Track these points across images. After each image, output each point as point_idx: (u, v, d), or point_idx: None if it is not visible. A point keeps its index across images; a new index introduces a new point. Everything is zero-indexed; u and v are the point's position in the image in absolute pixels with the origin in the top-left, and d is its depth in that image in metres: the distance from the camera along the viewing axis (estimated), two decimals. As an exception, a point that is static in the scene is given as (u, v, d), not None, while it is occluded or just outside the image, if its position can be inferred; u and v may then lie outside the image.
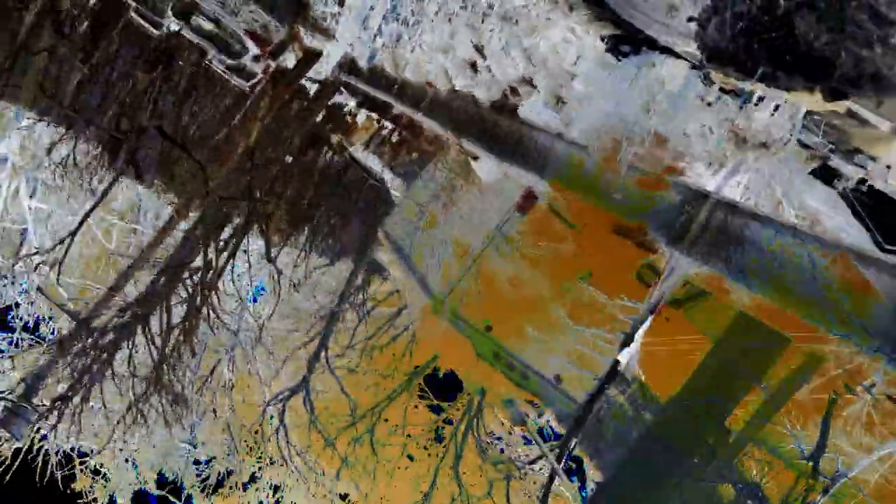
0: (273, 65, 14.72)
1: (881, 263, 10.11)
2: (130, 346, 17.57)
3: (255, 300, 17.13)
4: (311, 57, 14.99)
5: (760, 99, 11.33)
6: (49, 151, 14.58)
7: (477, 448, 17.06)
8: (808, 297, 10.68)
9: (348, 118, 15.78)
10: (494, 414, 16.69)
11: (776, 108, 11.30)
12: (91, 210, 14.81)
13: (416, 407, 17.17)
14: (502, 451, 16.65)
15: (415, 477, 17.00)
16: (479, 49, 12.68)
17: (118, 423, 17.92)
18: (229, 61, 14.56)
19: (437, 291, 14.93)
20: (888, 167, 9.98)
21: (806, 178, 10.81)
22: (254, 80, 14.92)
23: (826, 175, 10.82)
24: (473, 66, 13.10)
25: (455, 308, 14.63)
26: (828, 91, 9.43)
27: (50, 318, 17.29)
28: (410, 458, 16.95)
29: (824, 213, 11.08)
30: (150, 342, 17.54)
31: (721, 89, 11.49)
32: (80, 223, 15.10)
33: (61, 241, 15.37)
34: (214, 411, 17.86)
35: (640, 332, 12.63)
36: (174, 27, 14.13)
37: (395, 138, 16.08)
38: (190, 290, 16.64)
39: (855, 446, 12.03)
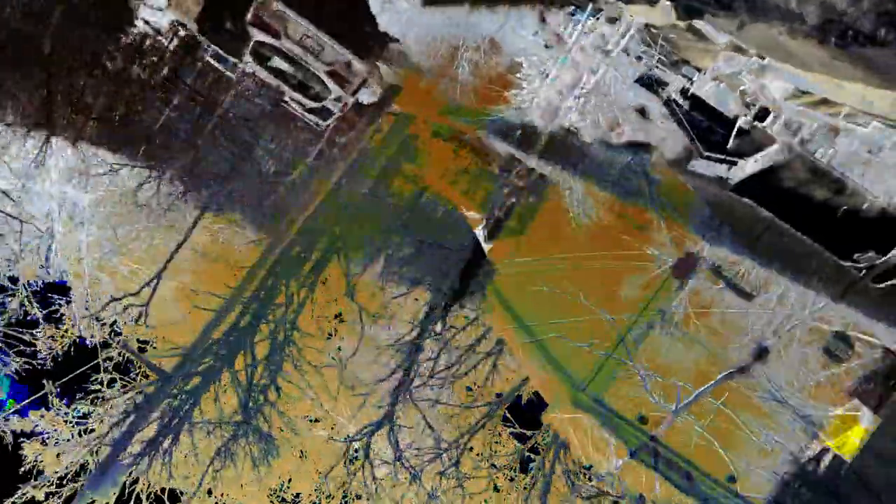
0: (350, 102, 15.02)
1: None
2: (216, 387, 17.93)
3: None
4: (391, 93, 15.41)
5: (598, 11, 11.52)
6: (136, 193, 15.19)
7: (566, 479, 16.56)
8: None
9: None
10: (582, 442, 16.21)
11: (612, 20, 11.54)
12: (178, 248, 15.30)
13: (499, 435, 16.84)
14: (591, 479, 16.10)
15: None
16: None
17: (210, 464, 18.16)
18: (310, 103, 14.89)
19: (577, 378, 14.32)
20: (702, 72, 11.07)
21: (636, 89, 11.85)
22: (330, 119, 15.23)
23: (651, 85, 11.76)
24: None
25: (600, 396, 14.09)
26: (682, 8, 9.98)
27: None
28: (497, 489, 16.54)
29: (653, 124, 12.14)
30: (236, 383, 17.87)
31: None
32: (167, 262, 15.63)
33: (147, 283, 15.93)
34: (302, 452, 17.89)
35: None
36: (249, 69, 14.64)
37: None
38: (272, 326, 16.95)
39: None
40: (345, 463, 17.39)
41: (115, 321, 16.76)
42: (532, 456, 16.64)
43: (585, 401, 14.10)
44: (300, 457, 17.75)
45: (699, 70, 11.23)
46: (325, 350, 17.25)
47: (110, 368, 16.75)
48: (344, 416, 17.46)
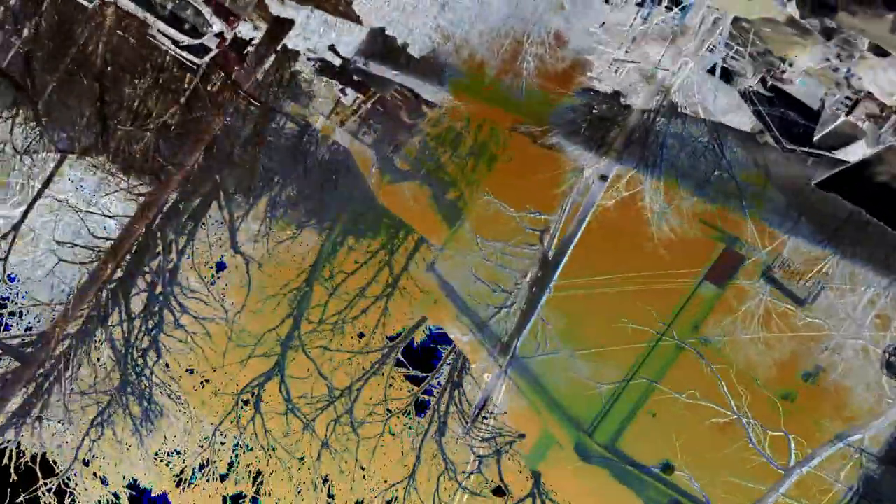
0: (229, 37, 13.77)
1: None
2: (90, 346, 16.77)
3: (213, 283, 16.44)
4: (279, 27, 13.99)
5: (676, 2, 11.56)
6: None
7: (461, 420, 16.59)
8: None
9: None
10: (476, 383, 16.26)
11: (684, 10, 11.58)
12: (37, 197, 13.94)
13: (392, 378, 16.64)
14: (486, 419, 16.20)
15: (398, 454, 16.47)
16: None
17: (84, 436, 17.07)
18: (185, 38, 13.44)
19: (583, 420, 13.33)
20: (790, 65, 10.63)
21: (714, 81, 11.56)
22: (207, 58, 13.84)
23: (726, 75, 11.46)
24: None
25: (609, 443, 13.08)
26: (810, 6, 9.58)
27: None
28: (392, 433, 16.40)
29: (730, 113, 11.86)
30: (111, 343, 16.77)
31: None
32: (25, 213, 14.25)
33: (4, 236, 14.49)
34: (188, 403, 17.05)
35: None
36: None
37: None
38: (149, 279, 15.93)
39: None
40: (235, 418, 16.79)
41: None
42: (426, 398, 16.57)
43: (593, 448, 13.13)
44: (186, 414, 16.97)
45: (783, 61, 10.71)
46: (209, 301, 16.43)
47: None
48: (231, 368, 16.79)
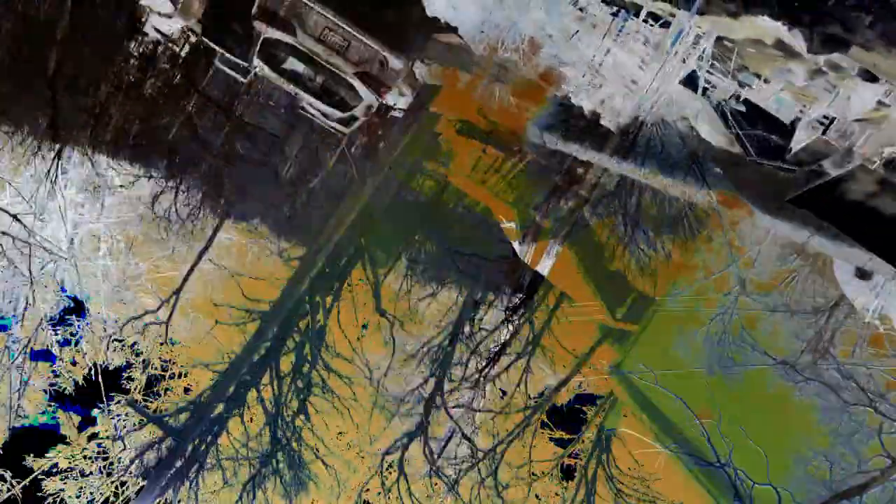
0: (376, 106, 13.69)
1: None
2: (242, 409, 17.36)
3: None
4: (427, 93, 14.24)
5: (653, 17, 11.16)
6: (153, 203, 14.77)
7: (609, 485, 15.85)
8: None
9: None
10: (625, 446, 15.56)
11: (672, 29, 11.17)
12: (198, 260, 14.84)
13: (534, 445, 16.15)
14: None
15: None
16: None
17: (240, 496, 17.51)
18: (335, 113, 13.48)
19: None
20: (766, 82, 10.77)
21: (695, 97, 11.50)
22: (354, 126, 13.95)
23: (695, 86, 11.34)
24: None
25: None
26: (820, 41, 9.53)
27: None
28: (538, 497, 15.82)
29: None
30: (261, 402, 17.30)
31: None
32: (186, 277, 15.17)
33: (167, 300, 15.45)
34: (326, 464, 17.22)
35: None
36: (260, 73, 13.94)
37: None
38: (296, 339, 16.42)
39: None
40: (381, 480, 16.76)
41: (135, 342, 16.28)
42: (573, 463, 15.94)
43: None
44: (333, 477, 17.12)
45: (758, 77, 10.95)
46: (353, 361, 16.69)
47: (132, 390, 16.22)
48: (375, 431, 16.86)
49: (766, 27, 9.90)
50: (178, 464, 17.55)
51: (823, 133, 10.53)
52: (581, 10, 12.14)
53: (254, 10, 12.03)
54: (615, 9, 11.81)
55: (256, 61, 13.03)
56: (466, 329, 16.10)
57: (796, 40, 9.73)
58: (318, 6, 11.99)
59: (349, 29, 12.01)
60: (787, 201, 11.11)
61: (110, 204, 15.03)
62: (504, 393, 16.07)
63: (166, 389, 16.73)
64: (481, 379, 16.04)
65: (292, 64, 13.32)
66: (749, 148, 11.34)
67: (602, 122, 12.79)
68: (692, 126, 12.04)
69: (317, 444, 17.03)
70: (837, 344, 12.38)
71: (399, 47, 12.38)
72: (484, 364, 15.90)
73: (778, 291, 12.73)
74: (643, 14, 11.25)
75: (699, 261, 13.30)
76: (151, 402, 16.55)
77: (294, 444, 17.18)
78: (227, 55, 13.46)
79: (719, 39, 10.77)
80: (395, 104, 14.39)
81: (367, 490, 16.80)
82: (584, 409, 15.77)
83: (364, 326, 16.53)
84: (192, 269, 15.17)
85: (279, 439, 17.26)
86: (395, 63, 12.46)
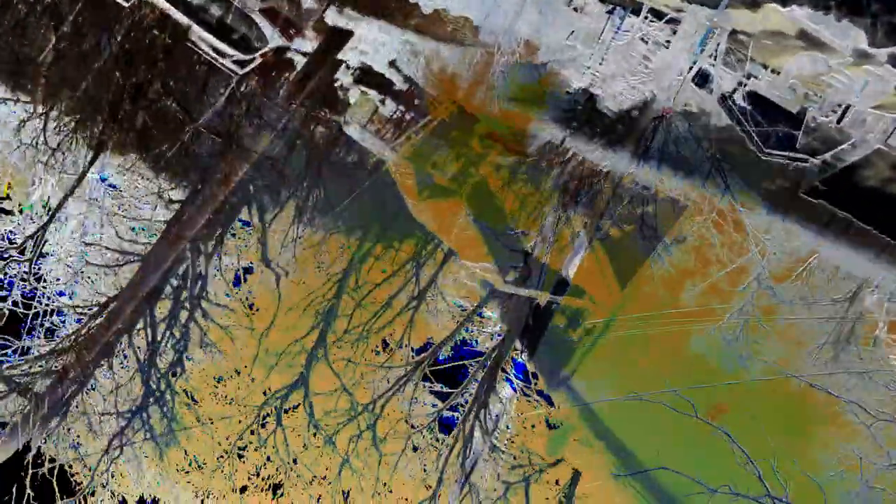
0: (273, 48, 13.38)
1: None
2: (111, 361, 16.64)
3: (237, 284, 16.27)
4: (335, 40, 13.52)
5: (655, 13, 11.42)
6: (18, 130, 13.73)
7: (488, 446, 16.08)
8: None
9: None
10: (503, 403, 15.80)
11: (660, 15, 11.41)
12: (69, 194, 13.93)
13: (415, 399, 16.22)
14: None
15: (421, 473, 15.98)
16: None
17: (102, 455, 16.80)
18: (235, 54, 12.95)
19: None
20: (774, 72, 10.79)
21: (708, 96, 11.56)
22: (248, 68, 13.55)
23: (702, 80, 11.48)
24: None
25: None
26: (885, 31, 9.60)
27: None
28: (415, 448, 15.93)
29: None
30: (133, 349, 16.62)
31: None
32: (54, 213, 14.26)
33: (31, 237, 14.49)
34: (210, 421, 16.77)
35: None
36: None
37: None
38: (175, 284, 15.81)
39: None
40: (254, 430, 16.47)
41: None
42: (452, 415, 16.11)
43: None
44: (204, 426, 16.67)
45: (765, 67, 10.88)
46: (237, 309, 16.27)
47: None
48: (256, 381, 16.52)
49: (793, 18, 9.75)
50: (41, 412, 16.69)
51: (838, 122, 10.45)
52: (576, 9, 11.94)
53: None
54: (610, 7, 11.58)
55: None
56: (352, 282, 15.96)
57: (837, 31, 9.65)
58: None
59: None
60: (803, 193, 11.04)
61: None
62: (387, 344, 16.05)
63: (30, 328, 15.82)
64: (365, 332, 15.97)
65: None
66: (759, 143, 11.28)
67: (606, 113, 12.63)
68: (699, 123, 11.95)
69: (192, 393, 16.55)
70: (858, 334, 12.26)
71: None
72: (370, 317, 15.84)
73: (795, 283, 12.47)
74: (644, 11, 10.94)
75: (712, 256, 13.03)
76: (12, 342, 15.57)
77: (167, 395, 16.62)
78: None
79: (733, 33, 10.67)
80: (298, 48, 13.76)
81: (242, 440, 16.45)
82: (466, 363, 15.92)
83: (248, 270, 16.13)
84: (60, 205, 14.25)
85: (152, 390, 16.66)
86: (309, 1, 11.62)
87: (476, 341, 15.70)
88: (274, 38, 13.08)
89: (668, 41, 11.30)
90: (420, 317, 15.98)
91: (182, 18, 13.30)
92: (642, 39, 11.53)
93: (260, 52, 13.42)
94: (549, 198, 13.56)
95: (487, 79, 13.15)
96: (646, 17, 11.40)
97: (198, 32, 13.31)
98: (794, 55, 10.43)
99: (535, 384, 15.18)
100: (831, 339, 12.25)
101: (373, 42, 13.51)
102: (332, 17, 13.26)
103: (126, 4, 13.08)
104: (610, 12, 11.69)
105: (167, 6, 13.32)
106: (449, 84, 13.49)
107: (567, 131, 13.09)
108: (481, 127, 13.77)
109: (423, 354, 16.08)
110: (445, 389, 15.99)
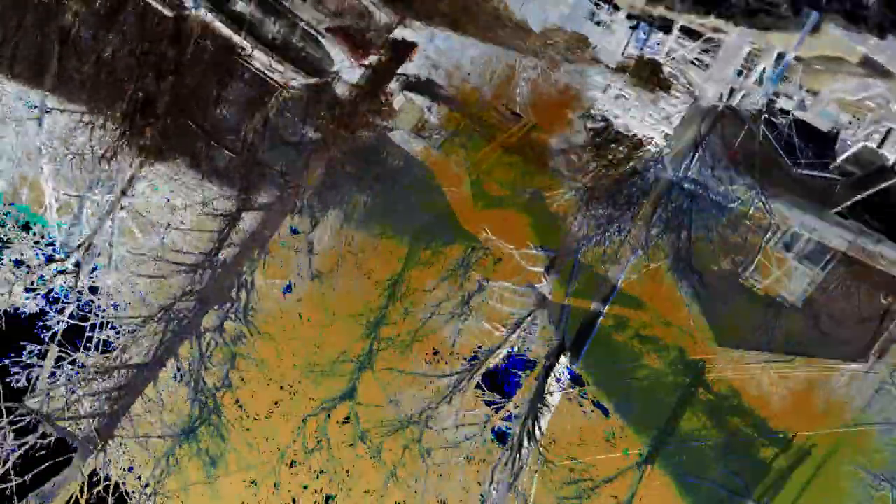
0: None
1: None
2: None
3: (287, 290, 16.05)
4: (401, 54, 13.26)
5: (688, 32, 11.14)
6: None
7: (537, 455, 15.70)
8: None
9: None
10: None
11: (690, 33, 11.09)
12: (115, 206, 13.73)
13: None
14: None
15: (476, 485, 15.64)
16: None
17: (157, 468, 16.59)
18: (299, 77, 12.18)
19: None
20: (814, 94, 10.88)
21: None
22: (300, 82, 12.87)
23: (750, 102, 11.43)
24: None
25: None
26: None
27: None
28: (469, 459, 15.58)
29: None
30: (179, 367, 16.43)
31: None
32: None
33: (79, 246, 14.31)
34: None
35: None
36: (204, 15, 12.49)
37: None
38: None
39: None
40: (303, 441, 16.22)
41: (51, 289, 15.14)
42: (506, 426, 15.73)
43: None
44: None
45: (800, 88, 10.95)
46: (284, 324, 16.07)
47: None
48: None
49: (853, 45, 9.75)
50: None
51: (880, 145, 10.53)
52: (598, 24, 11.80)
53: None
54: (634, 22, 11.32)
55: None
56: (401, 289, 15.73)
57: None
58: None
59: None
60: (835, 213, 11.09)
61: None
62: (437, 352, 15.76)
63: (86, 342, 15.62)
64: (412, 340, 15.71)
65: (240, 6, 11.20)
66: (791, 160, 11.33)
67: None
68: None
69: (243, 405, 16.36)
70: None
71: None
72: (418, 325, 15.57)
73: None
74: (676, 29, 10.65)
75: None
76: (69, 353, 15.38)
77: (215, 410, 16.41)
78: None
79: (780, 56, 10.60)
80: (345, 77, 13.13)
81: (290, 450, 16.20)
82: (518, 373, 15.61)
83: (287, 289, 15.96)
84: (110, 211, 14.10)
85: (198, 399, 16.45)
86: (381, 16, 10.29)
87: (529, 349, 15.36)
88: (341, 59, 12.44)
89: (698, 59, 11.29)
90: (467, 326, 15.67)
91: (235, 36, 12.80)
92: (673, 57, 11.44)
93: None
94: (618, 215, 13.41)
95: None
96: (678, 38, 11.29)
97: (253, 52, 12.70)
98: (836, 78, 10.48)
99: (587, 393, 14.86)
100: None
101: (437, 52, 13.35)
102: (399, 31, 12.83)
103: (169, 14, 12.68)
104: (634, 27, 11.51)
105: (222, 20, 12.79)
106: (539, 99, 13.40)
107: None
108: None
109: (473, 362, 15.77)
110: (497, 399, 15.64)
